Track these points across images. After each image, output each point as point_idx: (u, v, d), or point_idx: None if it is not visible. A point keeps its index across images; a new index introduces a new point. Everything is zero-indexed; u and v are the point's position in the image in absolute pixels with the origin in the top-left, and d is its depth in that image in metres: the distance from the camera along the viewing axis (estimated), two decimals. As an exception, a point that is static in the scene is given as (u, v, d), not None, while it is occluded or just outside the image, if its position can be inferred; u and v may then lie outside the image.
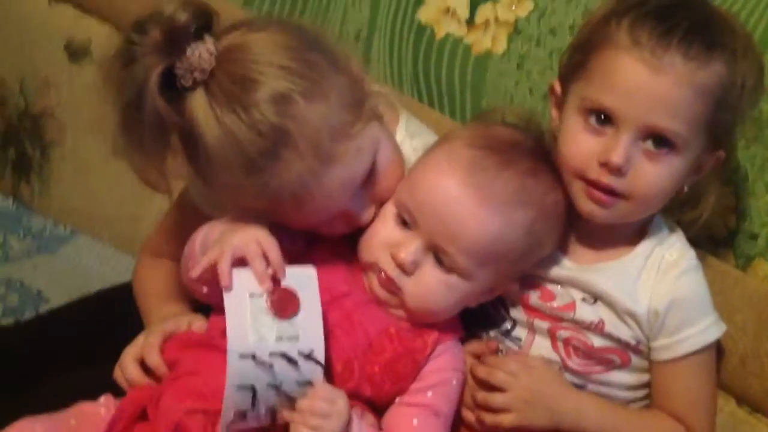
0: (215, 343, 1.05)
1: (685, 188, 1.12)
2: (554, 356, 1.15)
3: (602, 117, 1.06)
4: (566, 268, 1.14)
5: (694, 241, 1.18)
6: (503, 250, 1.07)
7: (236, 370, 0.96)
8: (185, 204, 1.25)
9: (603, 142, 1.06)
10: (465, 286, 1.08)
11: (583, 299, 1.14)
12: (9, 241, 1.61)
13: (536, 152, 1.11)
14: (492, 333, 1.18)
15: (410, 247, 1.06)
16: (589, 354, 1.14)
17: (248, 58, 1.00)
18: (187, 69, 0.99)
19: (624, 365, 1.15)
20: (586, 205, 1.09)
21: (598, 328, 1.13)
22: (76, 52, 1.67)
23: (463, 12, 1.42)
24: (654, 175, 1.06)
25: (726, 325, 1.16)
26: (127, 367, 1.12)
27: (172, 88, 0.99)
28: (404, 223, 1.08)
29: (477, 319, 1.17)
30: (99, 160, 1.65)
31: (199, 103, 0.99)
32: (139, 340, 1.15)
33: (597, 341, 1.13)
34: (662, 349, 1.13)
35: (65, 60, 1.67)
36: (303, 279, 1.01)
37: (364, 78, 1.08)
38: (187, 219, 1.23)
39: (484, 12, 1.41)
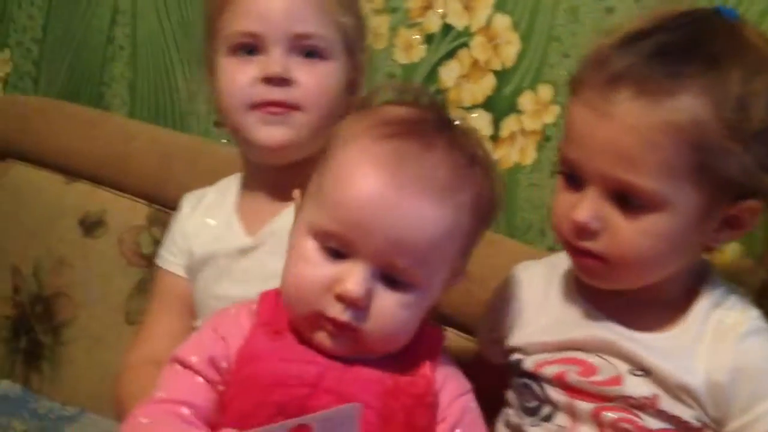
0: None
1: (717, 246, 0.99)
2: None
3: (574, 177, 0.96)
4: (609, 333, 0.98)
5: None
6: (455, 242, 0.92)
7: None
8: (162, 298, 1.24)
9: (576, 198, 0.95)
10: (425, 300, 0.92)
11: (630, 371, 0.96)
12: (12, 423, 1.48)
13: (443, 123, 0.96)
14: (527, 419, 1.01)
15: (357, 277, 0.89)
16: None
17: None
18: None
19: None
20: (581, 275, 0.99)
21: (651, 405, 0.94)
22: (90, 227, 1.60)
23: (487, 129, 1.37)
24: (632, 232, 0.93)
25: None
26: None
27: None
28: (335, 254, 0.91)
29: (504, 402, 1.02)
30: (111, 334, 1.54)
31: None
32: None
33: (653, 423, 0.94)
34: None
35: (80, 236, 1.60)
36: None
37: None
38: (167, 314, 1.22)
39: (508, 125, 1.35)
